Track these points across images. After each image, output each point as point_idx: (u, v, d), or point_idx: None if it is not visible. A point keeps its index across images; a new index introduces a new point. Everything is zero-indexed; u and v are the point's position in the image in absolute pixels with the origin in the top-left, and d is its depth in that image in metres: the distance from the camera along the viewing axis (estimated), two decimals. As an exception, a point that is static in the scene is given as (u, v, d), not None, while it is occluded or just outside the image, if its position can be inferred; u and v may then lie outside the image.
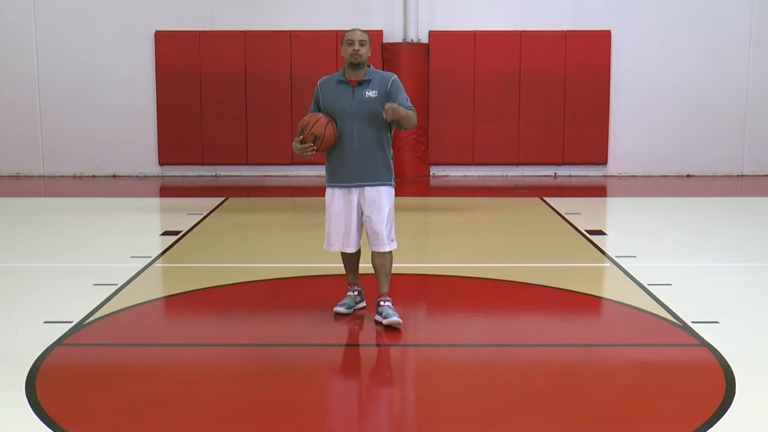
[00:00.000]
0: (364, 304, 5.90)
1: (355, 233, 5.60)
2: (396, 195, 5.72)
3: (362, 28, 5.58)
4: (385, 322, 5.51)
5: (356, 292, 5.86)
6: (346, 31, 5.55)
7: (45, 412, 4.18)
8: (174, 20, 13.89)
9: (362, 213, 5.56)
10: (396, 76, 5.59)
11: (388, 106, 5.29)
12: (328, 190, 5.64)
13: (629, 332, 5.64)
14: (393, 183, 5.62)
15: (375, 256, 5.61)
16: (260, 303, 6.40)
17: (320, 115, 5.48)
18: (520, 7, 13.95)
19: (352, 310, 5.82)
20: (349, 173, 5.51)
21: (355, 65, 5.46)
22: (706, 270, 7.33)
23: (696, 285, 6.80)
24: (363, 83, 5.47)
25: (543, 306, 6.27)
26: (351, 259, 5.81)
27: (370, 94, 5.45)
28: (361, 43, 5.42)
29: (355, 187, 5.53)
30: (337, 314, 5.77)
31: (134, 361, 5.08)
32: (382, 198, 5.52)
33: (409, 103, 5.51)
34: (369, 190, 5.51)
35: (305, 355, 5.13)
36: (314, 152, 5.42)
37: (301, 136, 5.42)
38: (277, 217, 10.39)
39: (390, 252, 5.61)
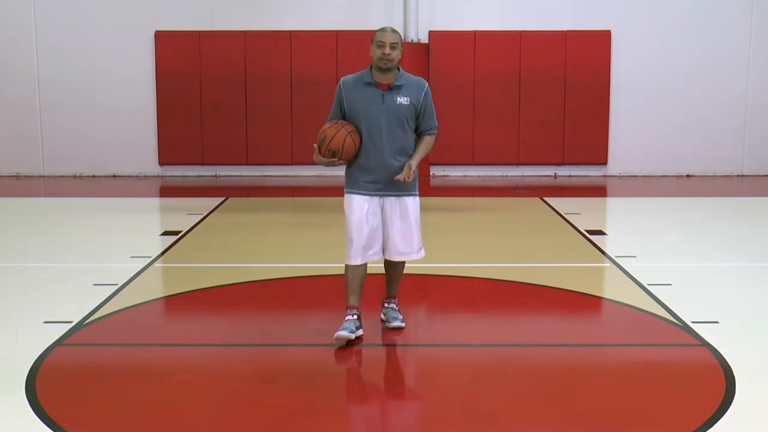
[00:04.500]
0: (361, 332, 5.30)
1: (377, 243, 5.25)
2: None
3: (394, 28, 5.28)
4: (387, 326, 5.49)
5: (356, 316, 5.28)
6: (375, 31, 5.18)
7: (45, 412, 4.18)
8: (174, 20, 13.89)
9: (385, 222, 5.26)
10: (428, 85, 5.31)
11: (404, 174, 5.04)
12: (348, 197, 5.23)
13: (629, 332, 5.64)
14: (418, 191, 5.34)
15: (392, 262, 5.42)
16: (260, 303, 6.40)
17: (339, 126, 5.12)
18: (520, 7, 13.95)
19: (354, 335, 5.20)
20: (375, 182, 5.18)
21: (385, 69, 5.13)
22: (706, 270, 7.33)
23: (696, 285, 6.80)
24: (394, 88, 5.14)
25: (543, 306, 6.27)
26: (360, 275, 5.30)
27: (402, 100, 5.12)
28: (393, 47, 5.07)
29: (380, 196, 5.21)
30: (340, 339, 5.14)
31: (134, 361, 5.08)
32: (409, 209, 5.26)
33: (434, 120, 5.30)
34: (396, 201, 5.23)
35: (305, 355, 5.13)
36: (340, 164, 5.18)
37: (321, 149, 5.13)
38: (277, 217, 10.39)
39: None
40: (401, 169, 5.17)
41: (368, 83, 5.17)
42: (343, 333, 5.15)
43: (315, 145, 5.20)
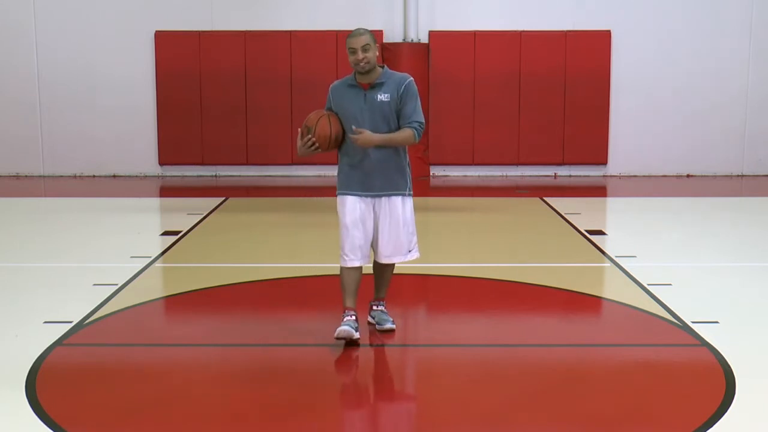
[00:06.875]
0: (358, 335, 5.20)
1: (368, 245, 5.27)
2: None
3: (364, 27, 5.25)
4: (378, 328, 5.43)
5: (354, 317, 5.23)
6: (348, 33, 5.17)
7: (45, 412, 4.18)
8: (174, 20, 13.89)
9: (377, 224, 5.24)
10: (412, 79, 5.23)
11: (357, 133, 5.00)
12: (341, 198, 5.25)
13: (629, 332, 5.64)
14: (410, 191, 5.29)
15: (381, 264, 5.38)
16: (260, 303, 6.40)
17: (320, 110, 5.22)
18: (520, 7, 13.95)
19: (356, 334, 5.15)
20: (364, 182, 5.19)
21: (364, 72, 5.14)
22: (706, 270, 7.33)
23: (696, 285, 6.80)
24: (375, 86, 5.15)
25: (543, 306, 6.27)
26: (356, 277, 5.27)
27: (383, 97, 5.12)
28: (365, 49, 5.05)
29: (371, 197, 5.21)
30: (341, 334, 5.10)
31: (134, 361, 5.08)
32: (398, 208, 5.23)
33: (417, 115, 5.16)
34: (386, 201, 5.21)
35: (305, 355, 5.13)
36: (316, 148, 5.10)
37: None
38: (277, 217, 10.39)
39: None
40: (390, 169, 5.17)
41: (352, 85, 5.21)
42: (345, 328, 5.11)
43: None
